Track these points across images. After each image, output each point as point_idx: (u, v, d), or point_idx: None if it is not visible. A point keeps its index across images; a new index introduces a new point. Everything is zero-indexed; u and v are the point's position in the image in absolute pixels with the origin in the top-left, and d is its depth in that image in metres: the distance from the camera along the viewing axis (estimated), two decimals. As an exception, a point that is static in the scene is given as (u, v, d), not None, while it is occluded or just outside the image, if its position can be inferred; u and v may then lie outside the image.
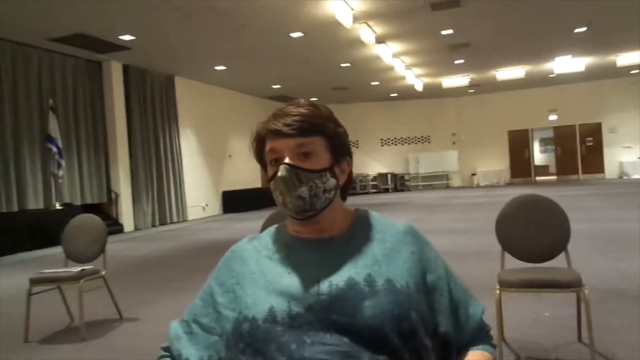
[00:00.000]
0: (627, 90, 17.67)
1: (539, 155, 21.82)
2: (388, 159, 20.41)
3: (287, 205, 0.95)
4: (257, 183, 15.75)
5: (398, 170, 20.25)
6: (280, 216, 1.52)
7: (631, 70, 16.23)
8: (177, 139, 12.90)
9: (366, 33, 9.94)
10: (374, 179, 19.92)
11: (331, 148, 0.98)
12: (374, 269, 0.92)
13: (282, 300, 0.90)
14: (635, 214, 7.98)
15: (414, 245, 0.98)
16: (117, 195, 11.06)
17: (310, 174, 0.94)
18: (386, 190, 19.65)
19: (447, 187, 19.68)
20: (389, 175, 19.89)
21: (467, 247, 6.09)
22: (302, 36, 10.16)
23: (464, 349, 0.97)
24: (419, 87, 16.33)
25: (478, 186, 19.13)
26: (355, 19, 9.17)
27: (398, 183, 19.96)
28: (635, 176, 17.39)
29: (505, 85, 17.55)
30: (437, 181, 19.83)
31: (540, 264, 2.67)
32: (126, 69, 11.38)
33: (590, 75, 16.45)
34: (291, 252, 0.98)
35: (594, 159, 18.75)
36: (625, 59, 14.58)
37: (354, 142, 19.89)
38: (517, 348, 2.76)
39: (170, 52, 10.81)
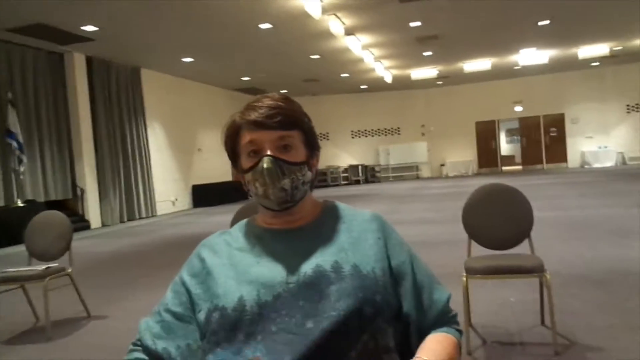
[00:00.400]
0: (588, 81, 18.23)
1: (505, 146, 22.32)
2: (359, 151, 20.53)
3: (269, 196, 0.97)
4: (227, 177, 15.61)
5: (369, 161, 20.40)
6: (250, 209, 1.52)
7: (592, 63, 16.74)
8: (144, 133, 12.65)
9: (335, 25, 9.94)
10: (345, 170, 20.02)
11: (306, 142, 1.01)
12: (340, 256, 0.95)
13: (252, 289, 0.92)
14: (596, 202, 8.29)
15: (379, 232, 1.02)
16: (82, 191, 10.78)
17: (292, 167, 0.97)
18: (357, 182, 19.78)
19: (417, 178, 19.96)
20: (360, 167, 20.02)
21: (437, 236, 6.20)
22: (271, 28, 10.08)
23: (426, 332, 0.99)
24: (388, 78, 16.45)
25: (447, 177, 19.46)
26: (324, 10, 9.15)
27: (369, 174, 20.11)
28: (596, 165, 18.01)
29: (472, 77, 17.84)
30: (407, 172, 20.07)
31: (505, 250, 2.75)
32: (90, 61, 11.06)
33: (554, 67, 16.89)
34: (262, 243, 1.01)
35: (557, 149, 19.31)
36: (586, 51, 15.03)
37: (324, 134, 19.93)
38: (484, 333, 2.84)
39: (136, 43, 10.56)
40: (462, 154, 20.07)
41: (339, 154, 20.25)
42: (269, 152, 0.96)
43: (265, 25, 9.94)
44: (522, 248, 2.75)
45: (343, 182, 19.74)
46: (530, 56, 15.13)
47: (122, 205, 11.69)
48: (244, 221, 1.09)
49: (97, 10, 8.27)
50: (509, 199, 2.73)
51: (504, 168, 20.23)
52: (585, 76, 18.16)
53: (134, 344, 1.00)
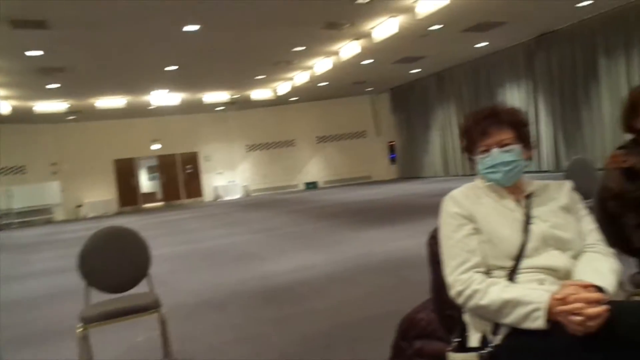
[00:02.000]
0: (216, 123, 20.54)
1: (146, 183, 22.59)
2: (-31, 195, 16.86)
3: None
4: None
5: (-16, 207, 17.00)
6: None
7: (217, 107, 19.01)
8: None
9: None
10: (-50, 220, 16.07)
11: None
12: None
13: None
14: (225, 231, 9.33)
15: None
16: None
17: None
18: (-32, 233, 16.16)
19: (50, 222, 17.87)
20: (-28, 214, 16.46)
21: (69, 286, 5.68)
22: None
23: None
24: (5, 110, 14.26)
25: (86, 218, 18.18)
26: None
27: (-15, 222, 16.74)
28: (227, 198, 20.35)
29: (107, 114, 17.43)
30: (37, 216, 17.70)
31: (126, 292, 2.77)
32: None
33: (186, 109, 18.31)
34: None
35: (194, 185, 20.88)
36: (210, 97, 17.07)
37: None
38: (109, 381, 2.76)
39: None
40: (101, 193, 19.18)
41: (-61, 200, 16.15)
42: None
43: None
44: (145, 287, 2.83)
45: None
46: (163, 98, 15.98)
47: None
48: None
49: None
50: (126, 241, 2.78)
51: (145, 205, 20.39)
52: (213, 118, 20.39)
53: None
